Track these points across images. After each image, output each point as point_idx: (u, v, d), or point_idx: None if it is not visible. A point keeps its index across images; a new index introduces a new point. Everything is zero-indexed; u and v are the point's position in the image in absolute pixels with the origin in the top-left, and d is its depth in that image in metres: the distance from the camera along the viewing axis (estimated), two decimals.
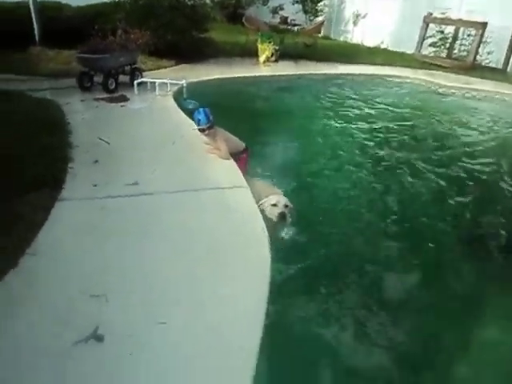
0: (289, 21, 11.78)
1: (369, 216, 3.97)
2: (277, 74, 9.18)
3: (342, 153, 5.33)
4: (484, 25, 9.63)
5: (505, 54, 9.99)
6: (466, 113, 7.37)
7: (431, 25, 10.86)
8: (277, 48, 10.27)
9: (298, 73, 9.32)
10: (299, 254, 3.18)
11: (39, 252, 2.58)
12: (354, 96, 8.08)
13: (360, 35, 13.63)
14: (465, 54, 10.37)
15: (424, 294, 3.08)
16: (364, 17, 13.33)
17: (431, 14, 10.99)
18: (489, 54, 10.09)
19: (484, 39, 9.85)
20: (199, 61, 9.44)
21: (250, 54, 10.27)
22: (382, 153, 5.43)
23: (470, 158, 5.36)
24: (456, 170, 5.06)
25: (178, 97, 6.46)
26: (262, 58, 10.02)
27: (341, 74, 9.54)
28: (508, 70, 10.00)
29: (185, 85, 6.53)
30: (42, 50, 8.62)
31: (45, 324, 2.07)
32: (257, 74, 8.89)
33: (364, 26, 13.49)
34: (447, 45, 10.76)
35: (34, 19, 8.60)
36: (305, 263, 3.08)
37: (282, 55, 10.37)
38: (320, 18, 13.46)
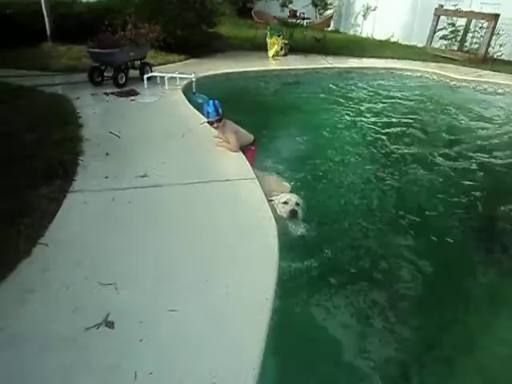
0: (298, 14, 11.67)
1: (383, 210, 3.89)
2: (286, 68, 9.14)
3: (354, 147, 5.26)
4: (496, 17, 9.47)
5: None
6: (478, 106, 7.25)
7: (442, 17, 10.71)
8: (286, 42, 10.23)
9: (308, 67, 9.27)
10: (312, 251, 3.12)
11: (52, 241, 2.64)
12: (365, 90, 8.03)
13: (370, 29, 13.51)
14: (476, 46, 10.21)
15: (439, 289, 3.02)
16: (374, 10, 13.20)
17: (442, 6, 10.85)
18: (501, 46, 9.93)
19: (496, 31, 9.69)
20: (208, 55, 9.46)
21: (259, 48, 10.25)
22: (395, 146, 5.34)
23: (484, 152, 5.26)
24: (471, 163, 4.96)
25: (187, 91, 6.50)
26: (270, 52, 9.99)
27: (351, 68, 9.48)
28: None
29: (194, 79, 6.55)
30: (54, 45, 8.73)
31: (58, 310, 2.13)
32: (266, 68, 8.87)
33: (374, 20, 13.37)
34: (458, 37, 10.60)
35: (45, 15, 8.70)
36: (320, 259, 3.03)
37: (292, 49, 10.33)
38: (329, 12, 13.34)
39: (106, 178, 3.51)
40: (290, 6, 12.63)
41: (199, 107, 5.03)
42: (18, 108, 5.02)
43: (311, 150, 5.11)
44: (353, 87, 8.19)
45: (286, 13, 12.14)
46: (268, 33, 10.15)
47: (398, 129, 6.04)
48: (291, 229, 3.31)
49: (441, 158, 5.02)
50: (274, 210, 3.26)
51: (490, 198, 4.21)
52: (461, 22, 10.44)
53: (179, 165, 3.90)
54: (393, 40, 12.47)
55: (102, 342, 1.94)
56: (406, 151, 5.23)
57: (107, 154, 3.99)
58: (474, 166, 4.90)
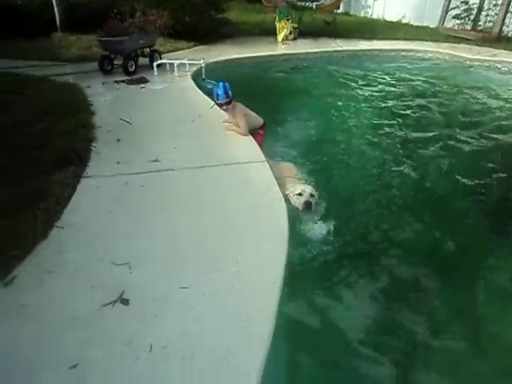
0: None
1: (397, 193, 3.83)
2: (295, 52, 9.07)
3: (366, 130, 5.18)
4: None
5: None
6: (493, 85, 7.11)
7: None
8: (295, 26, 10.13)
9: (318, 50, 9.19)
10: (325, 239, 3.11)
11: (67, 225, 2.72)
12: (376, 72, 7.93)
13: (381, 10, 13.27)
14: (490, 25, 9.97)
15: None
16: None
17: None
18: None
19: (511, 8, 9.43)
20: (217, 41, 9.45)
21: (268, 33, 10.18)
22: (410, 128, 5.25)
23: (501, 133, 5.13)
24: (488, 144, 4.84)
25: (197, 77, 6.51)
26: (280, 37, 9.91)
27: (362, 51, 9.40)
28: None
29: (203, 65, 6.56)
30: (64, 35, 8.81)
31: (75, 289, 2.21)
32: (275, 53, 8.83)
33: (385, 1, 13.11)
34: (472, 16, 10.37)
35: (54, 5, 8.76)
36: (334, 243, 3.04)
37: (301, 33, 10.23)
38: None
39: (118, 163, 3.58)
40: None
41: (209, 93, 5.04)
42: (30, 98, 5.11)
43: (322, 135, 5.08)
44: (364, 70, 8.08)
45: None
46: (277, 17, 10.06)
47: (413, 111, 5.96)
48: (306, 220, 3.25)
49: (458, 140, 4.93)
50: (287, 200, 3.19)
51: (509, 180, 4.13)
52: (474, 0, 10.18)
53: (190, 149, 3.94)
54: (404, 21, 12.26)
55: (118, 318, 2.01)
56: (421, 133, 5.14)
57: (118, 140, 4.05)
58: (491, 147, 4.80)
